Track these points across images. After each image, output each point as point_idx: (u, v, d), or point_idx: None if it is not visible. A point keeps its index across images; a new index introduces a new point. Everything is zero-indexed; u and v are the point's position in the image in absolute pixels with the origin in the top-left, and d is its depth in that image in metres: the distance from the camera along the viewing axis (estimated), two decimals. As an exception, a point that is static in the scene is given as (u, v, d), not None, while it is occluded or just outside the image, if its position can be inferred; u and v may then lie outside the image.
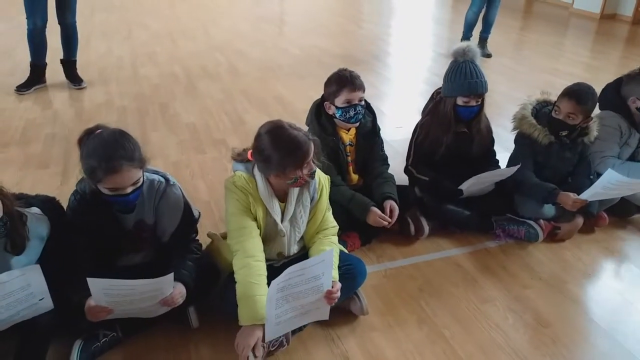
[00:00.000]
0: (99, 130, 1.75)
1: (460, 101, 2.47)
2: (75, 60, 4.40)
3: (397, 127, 3.81)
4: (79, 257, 1.80)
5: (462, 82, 2.43)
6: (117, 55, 5.35)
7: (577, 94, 2.44)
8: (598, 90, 2.88)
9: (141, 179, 1.75)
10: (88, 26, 6.25)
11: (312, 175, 1.86)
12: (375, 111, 2.60)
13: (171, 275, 1.71)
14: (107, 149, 1.66)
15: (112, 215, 1.83)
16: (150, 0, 8.21)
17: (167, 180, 1.92)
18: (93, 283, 1.60)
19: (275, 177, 1.84)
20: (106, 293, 1.65)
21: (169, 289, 1.75)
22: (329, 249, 1.96)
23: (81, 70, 4.50)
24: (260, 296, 1.74)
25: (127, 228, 1.87)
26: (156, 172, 1.94)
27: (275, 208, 1.90)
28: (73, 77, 4.39)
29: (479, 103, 2.49)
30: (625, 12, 8.06)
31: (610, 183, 2.32)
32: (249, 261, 1.80)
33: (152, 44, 5.80)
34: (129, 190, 1.70)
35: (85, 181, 1.79)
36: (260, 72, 5.06)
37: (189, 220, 1.95)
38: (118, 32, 6.26)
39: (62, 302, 1.70)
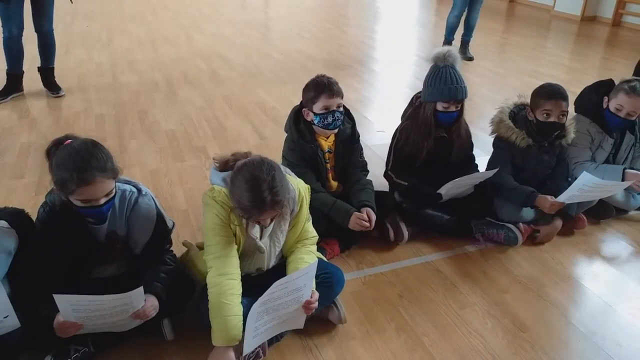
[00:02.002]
0: (68, 141, 1.71)
1: (440, 106, 2.46)
2: (53, 68, 4.34)
3: (379, 132, 3.81)
4: (49, 271, 1.76)
5: (442, 87, 2.43)
6: (97, 62, 5.29)
7: (557, 92, 2.46)
8: (576, 90, 2.91)
9: (114, 190, 1.71)
10: (68, 34, 6.19)
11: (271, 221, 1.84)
12: (358, 116, 2.59)
13: (141, 289, 1.67)
14: (78, 159, 1.62)
15: (83, 227, 1.79)
16: (133, 8, 8.16)
17: (139, 190, 1.88)
18: (60, 299, 1.56)
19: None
20: (74, 309, 1.61)
21: (140, 302, 1.71)
22: (308, 257, 1.95)
23: (60, 78, 4.44)
24: (233, 317, 1.72)
25: (99, 240, 1.83)
26: (128, 182, 1.91)
27: (254, 226, 1.86)
28: (51, 85, 4.33)
29: (459, 108, 2.49)
30: (605, 15, 8.17)
31: (586, 185, 2.33)
32: (223, 279, 1.77)
33: (133, 51, 5.75)
34: (102, 201, 1.67)
35: (55, 192, 1.75)
36: (243, 78, 5.03)
37: (162, 231, 1.91)
38: (99, 39, 6.20)
39: (31, 318, 1.66)
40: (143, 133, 3.69)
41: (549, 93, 2.47)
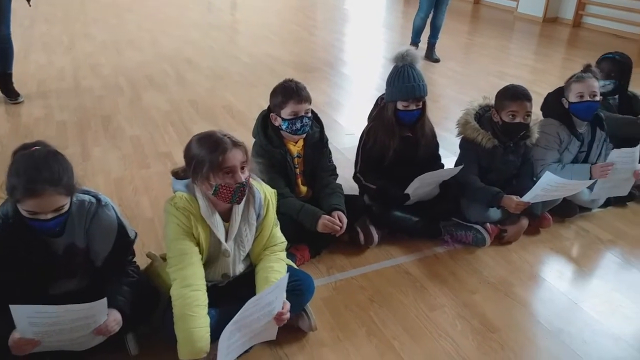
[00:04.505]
0: (35, 147, 1.64)
1: (400, 105, 2.48)
2: (11, 74, 4.18)
3: (348, 135, 3.80)
4: (3, 286, 1.67)
5: (401, 86, 2.45)
6: (58, 67, 5.13)
7: (521, 93, 2.50)
8: (540, 91, 2.96)
9: (66, 206, 1.63)
10: (27, 38, 5.99)
11: (240, 185, 1.74)
12: (328, 119, 2.58)
13: (104, 300, 1.61)
14: (30, 169, 1.55)
15: (39, 240, 1.71)
16: (96, 10, 7.96)
17: (98, 200, 1.81)
18: (16, 311, 1.49)
19: (200, 184, 1.76)
20: (32, 322, 1.54)
21: (102, 316, 1.65)
22: (277, 265, 1.92)
23: (19, 83, 4.28)
24: (198, 329, 1.68)
25: (57, 253, 1.75)
26: (87, 192, 1.83)
27: (219, 227, 1.82)
28: (8, 91, 4.17)
29: (420, 107, 2.50)
30: (566, 16, 8.38)
31: (549, 185, 2.37)
32: (186, 291, 1.72)
33: (97, 55, 5.60)
34: (49, 216, 1.59)
35: (9, 203, 1.67)
36: (210, 81, 4.96)
37: (123, 242, 1.84)
38: (60, 43, 6.01)
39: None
40: (106, 139, 3.59)
41: (514, 94, 2.51)
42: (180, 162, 3.14)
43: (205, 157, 1.70)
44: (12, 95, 4.17)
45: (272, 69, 5.41)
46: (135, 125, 3.85)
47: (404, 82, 2.43)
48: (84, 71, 5.05)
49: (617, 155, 2.66)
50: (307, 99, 2.32)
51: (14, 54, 4.17)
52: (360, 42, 7.04)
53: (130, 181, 3.05)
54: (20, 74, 4.53)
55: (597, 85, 2.67)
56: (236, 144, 1.74)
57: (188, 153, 1.78)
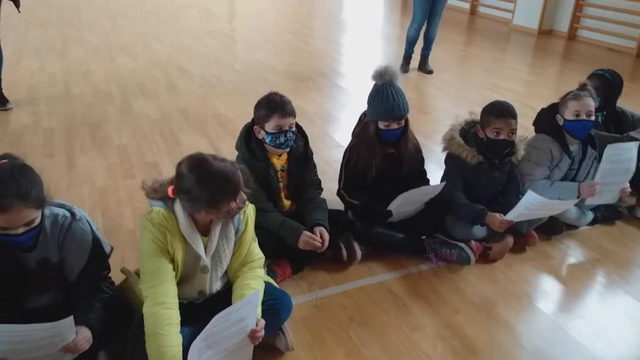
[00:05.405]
0: (2, 161, 1.61)
1: (381, 125, 2.46)
2: (0, 80, 4.16)
3: (337, 146, 3.78)
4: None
5: (380, 106, 2.43)
6: (50, 73, 5.11)
7: (506, 110, 2.47)
8: (533, 104, 2.93)
9: (37, 220, 1.61)
10: (20, 42, 5.97)
11: (244, 203, 1.77)
12: (318, 130, 2.55)
13: (71, 319, 1.58)
14: None
15: (11, 255, 1.68)
16: (90, 15, 7.96)
17: (72, 214, 1.78)
18: None
19: (206, 213, 1.74)
20: None
21: (71, 334, 1.62)
22: (254, 283, 1.89)
23: (9, 89, 4.26)
24: (170, 348, 1.64)
25: (30, 267, 1.72)
26: (62, 206, 1.81)
27: (199, 243, 1.79)
28: (-3, 97, 4.15)
29: (402, 125, 2.48)
30: (561, 28, 8.40)
31: (532, 204, 2.34)
32: (158, 309, 1.69)
33: (89, 61, 5.59)
34: (20, 230, 1.56)
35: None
36: (201, 89, 4.94)
37: (98, 257, 1.81)
38: (53, 48, 6.00)
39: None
40: (94, 148, 3.56)
41: (499, 111, 2.49)
42: (166, 172, 3.13)
43: (203, 198, 1.67)
44: (1, 102, 4.14)
45: (265, 77, 5.40)
46: (123, 134, 3.82)
47: (384, 102, 2.41)
48: (75, 77, 5.03)
49: (612, 152, 2.63)
50: (292, 113, 2.30)
51: (5, 60, 4.15)
52: (355, 53, 7.03)
53: (114, 191, 3.02)
54: (11, 79, 4.51)
55: (594, 105, 2.65)
56: (236, 168, 1.72)
57: (183, 185, 1.70)
